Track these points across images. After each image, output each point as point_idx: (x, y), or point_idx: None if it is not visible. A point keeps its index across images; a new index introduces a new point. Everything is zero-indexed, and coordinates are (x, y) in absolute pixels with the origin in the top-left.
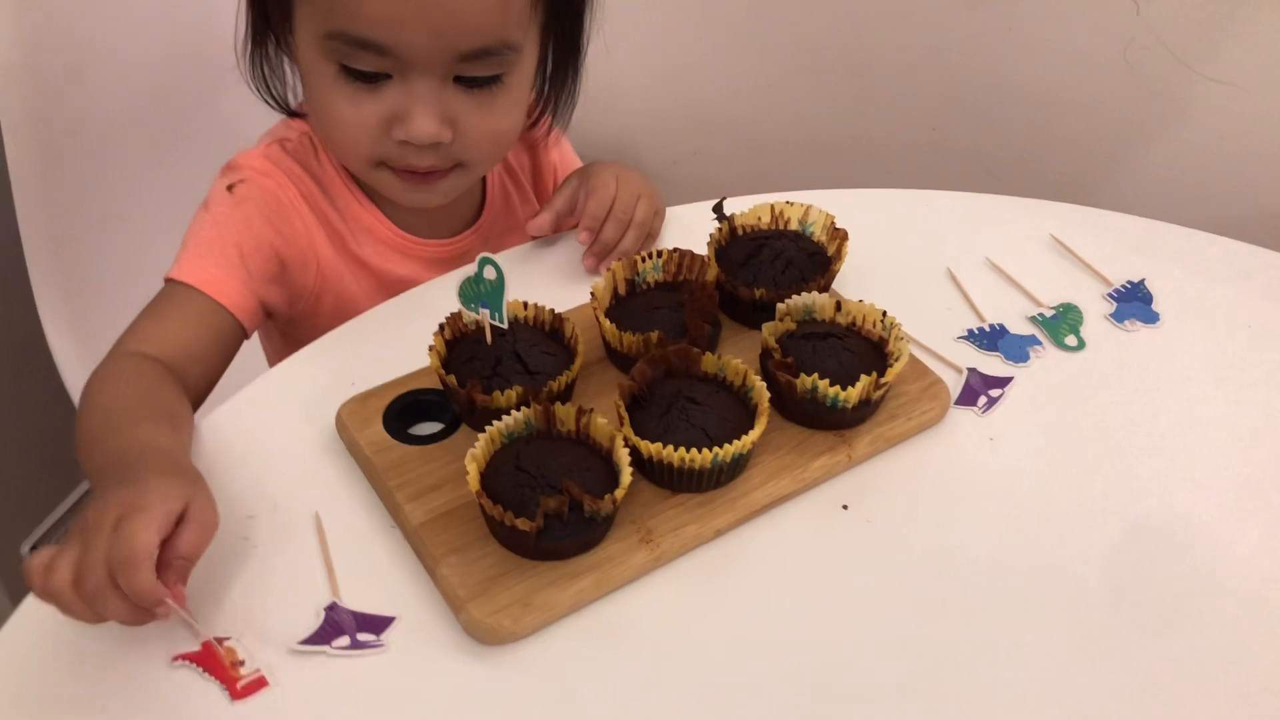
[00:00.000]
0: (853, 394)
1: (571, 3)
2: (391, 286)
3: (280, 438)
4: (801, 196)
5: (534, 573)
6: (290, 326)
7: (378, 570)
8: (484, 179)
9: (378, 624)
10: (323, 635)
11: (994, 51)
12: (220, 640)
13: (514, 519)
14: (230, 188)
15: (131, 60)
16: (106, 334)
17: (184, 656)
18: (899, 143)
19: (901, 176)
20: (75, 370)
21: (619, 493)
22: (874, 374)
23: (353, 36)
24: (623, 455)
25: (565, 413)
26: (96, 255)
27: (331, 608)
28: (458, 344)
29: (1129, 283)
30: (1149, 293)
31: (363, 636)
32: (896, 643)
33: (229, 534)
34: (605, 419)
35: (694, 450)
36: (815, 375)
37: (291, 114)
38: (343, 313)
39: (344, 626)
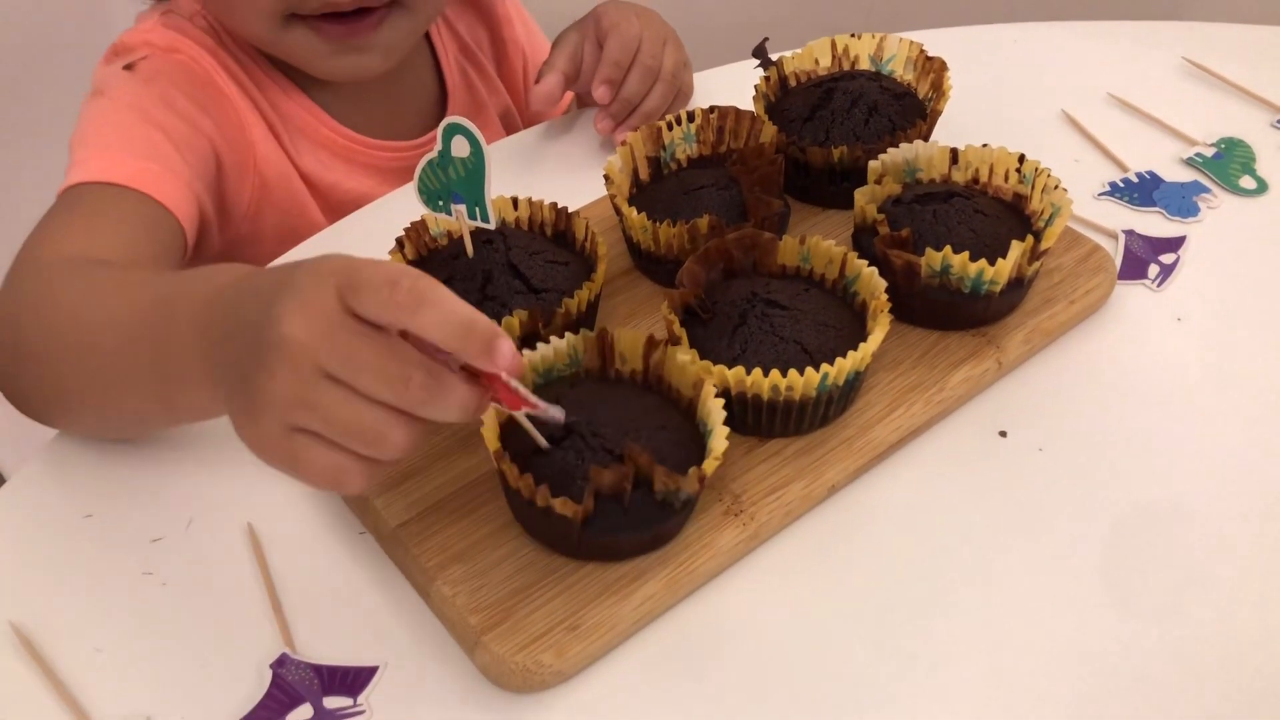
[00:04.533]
0: (1003, 269)
1: None
2: (339, 207)
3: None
4: None
5: (578, 578)
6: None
7: (346, 600)
8: (438, 64)
9: (353, 680)
10: (272, 707)
11: None
12: None
13: (550, 497)
14: (129, 67)
15: None
16: None
17: None
18: None
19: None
20: None
21: (709, 464)
22: (1029, 238)
23: None
24: (713, 408)
25: (629, 344)
26: None
27: (281, 663)
28: (426, 264)
29: None
30: None
31: (332, 702)
32: (1117, 634)
33: (125, 570)
34: (688, 355)
35: (791, 373)
36: (947, 249)
37: None
38: (287, 242)
39: (302, 690)
